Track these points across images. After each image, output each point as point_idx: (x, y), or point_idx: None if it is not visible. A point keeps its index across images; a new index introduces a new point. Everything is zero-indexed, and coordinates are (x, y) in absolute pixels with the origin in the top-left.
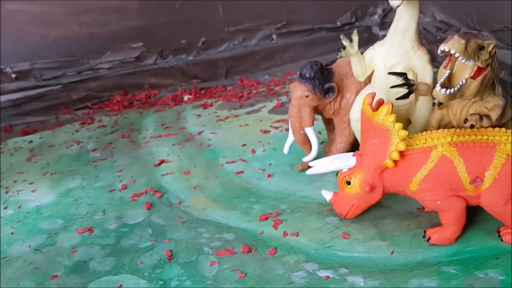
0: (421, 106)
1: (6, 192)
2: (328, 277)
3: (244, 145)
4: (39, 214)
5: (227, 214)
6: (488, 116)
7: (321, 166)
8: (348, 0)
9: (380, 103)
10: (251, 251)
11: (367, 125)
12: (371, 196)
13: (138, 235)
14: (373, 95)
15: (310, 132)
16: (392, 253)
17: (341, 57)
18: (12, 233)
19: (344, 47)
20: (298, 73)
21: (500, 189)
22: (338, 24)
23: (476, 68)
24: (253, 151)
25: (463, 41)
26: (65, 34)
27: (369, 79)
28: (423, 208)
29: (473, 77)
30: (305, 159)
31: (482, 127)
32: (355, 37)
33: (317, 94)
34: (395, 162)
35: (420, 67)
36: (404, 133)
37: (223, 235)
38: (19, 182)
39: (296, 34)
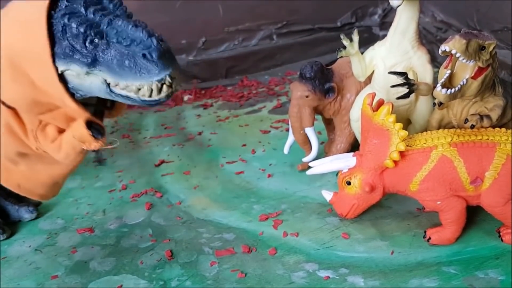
0: (421, 106)
1: None
2: (328, 277)
3: (244, 145)
4: (39, 214)
5: (227, 214)
6: (488, 116)
7: (321, 166)
8: (348, 0)
9: (380, 103)
10: (251, 251)
11: (367, 125)
12: (371, 196)
13: (138, 235)
14: (373, 95)
15: (310, 132)
16: (392, 253)
17: (341, 57)
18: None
19: (344, 47)
20: (298, 73)
21: (500, 189)
22: (338, 24)
23: (476, 68)
24: (253, 151)
25: (464, 41)
26: None
27: (369, 79)
28: (423, 208)
29: (474, 77)
30: (305, 159)
31: (482, 127)
32: (356, 37)
33: (317, 94)
34: (395, 162)
35: (420, 67)
36: (404, 133)
37: (223, 235)
38: None
39: (296, 34)
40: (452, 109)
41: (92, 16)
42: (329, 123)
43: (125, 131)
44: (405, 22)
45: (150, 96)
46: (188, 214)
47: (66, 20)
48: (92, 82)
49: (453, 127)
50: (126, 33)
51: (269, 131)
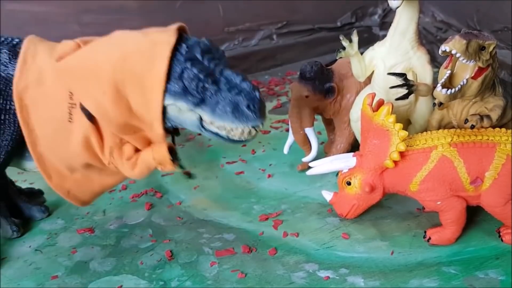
0: (421, 107)
1: None
2: (328, 277)
3: (244, 145)
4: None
5: (227, 215)
6: (488, 117)
7: (321, 166)
8: (348, 0)
9: (380, 103)
10: (251, 251)
11: (367, 126)
12: (371, 197)
13: (138, 236)
14: (373, 95)
15: (310, 132)
16: (392, 253)
17: (341, 57)
18: None
19: (344, 48)
20: (298, 73)
21: (500, 189)
22: (338, 24)
23: (476, 68)
24: (253, 152)
25: (464, 42)
26: (65, 34)
27: (369, 79)
28: (423, 208)
29: (474, 78)
30: (305, 160)
31: (482, 127)
32: (355, 37)
33: (317, 94)
34: (395, 162)
35: (420, 68)
36: (404, 133)
37: (223, 235)
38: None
39: (296, 34)
40: (452, 109)
41: (207, 64)
42: (329, 123)
43: None
44: (405, 22)
45: (239, 136)
46: (188, 214)
47: (188, 65)
48: (188, 117)
49: (453, 127)
50: (235, 83)
51: (269, 131)
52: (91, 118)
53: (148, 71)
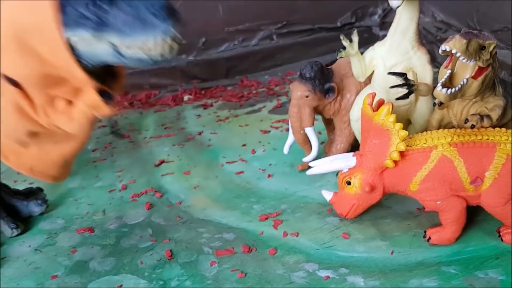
0: (421, 106)
1: None
2: (328, 277)
3: (244, 145)
4: (39, 214)
5: (227, 214)
6: (488, 116)
7: (321, 166)
8: (348, 0)
9: (381, 103)
10: (251, 251)
11: (368, 125)
12: (371, 196)
13: (138, 235)
14: (373, 95)
15: (310, 132)
16: (392, 253)
17: (341, 57)
18: None
19: (344, 47)
20: (298, 73)
21: (500, 189)
22: (338, 24)
23: (477, 68)
24: (253, 151)
25: (464, 41)
26: None
27: (369, 79)
28: (423, 208)
29: (474, 77)
30: (305, 159)
31: (482, 127)
32: (355, 37)
33: (317, 94)
34: (395, 162)
35: (420, 68)
36: (404, 133)
37: (223, 235)
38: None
39: (296, 34)
40: (452, 109)
41: None
42: (329, 123)
43: (125, 131)
44: (405, 22)
45: (159, 53)
46: (188, 214)
47: None
48: (100, 48)
49: (453, 127)
50: None
51: (269, 131)
52: (13, 81)
53: (39, 11)
